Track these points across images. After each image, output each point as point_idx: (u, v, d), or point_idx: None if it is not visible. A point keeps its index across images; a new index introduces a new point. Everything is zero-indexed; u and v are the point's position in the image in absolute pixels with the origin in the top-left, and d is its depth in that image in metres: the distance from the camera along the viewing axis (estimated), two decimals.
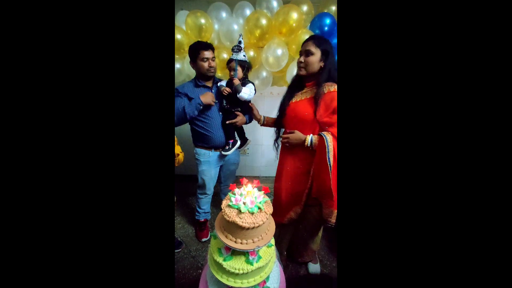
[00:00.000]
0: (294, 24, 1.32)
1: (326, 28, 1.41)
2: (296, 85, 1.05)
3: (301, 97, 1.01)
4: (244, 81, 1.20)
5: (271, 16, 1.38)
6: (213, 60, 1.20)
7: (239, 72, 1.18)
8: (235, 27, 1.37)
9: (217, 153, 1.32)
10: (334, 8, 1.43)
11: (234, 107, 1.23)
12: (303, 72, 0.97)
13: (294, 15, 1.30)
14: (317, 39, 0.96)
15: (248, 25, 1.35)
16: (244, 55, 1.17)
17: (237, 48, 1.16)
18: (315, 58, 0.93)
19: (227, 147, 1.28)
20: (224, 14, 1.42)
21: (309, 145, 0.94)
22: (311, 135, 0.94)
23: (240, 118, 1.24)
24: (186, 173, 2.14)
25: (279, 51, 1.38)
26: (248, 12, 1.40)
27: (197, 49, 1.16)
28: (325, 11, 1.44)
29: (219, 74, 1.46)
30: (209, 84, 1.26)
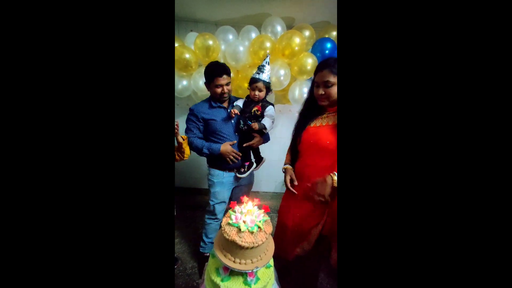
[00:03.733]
0: (296, 48, 1.40)
1: (327, 52, 1.49)
2: (313, 108, 0.92)
3: (322, 122, 0.88)
4: (265, 104, 1.16)
5: (275, 40, 1.46)
6: (228, 85, 1.15)
7: (263, 93, 1.14)
8: (241, 48, 1.45)
9: (232, 174, 1.26)
10: (334, 33, 1.51)
11: (251, 128, 1.16)
12: (325, 103, 0.86)
13: (297, 40, 1.38)
14: (331, 66, 0.82)
15: (253, 47, 1.43)
16: (269, 76, 1.14)
17: (265, 69, 1.11)
18: (336, 88, 0.82)
19: (242, 170, 1.23)
20: (230, 37, 1.51)
21: (336, 185, 0.78)
22: (331, 175, 0.78)
23: (257, 140, 1.19)
24: (185, 185, 2.14)
25: (282, 72, 1.44)
26: (253, 35, 1.49)
27: (212, 75, 1.11)
28: (326, 36, 1.53)
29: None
30: (225, 104, 1.23)
